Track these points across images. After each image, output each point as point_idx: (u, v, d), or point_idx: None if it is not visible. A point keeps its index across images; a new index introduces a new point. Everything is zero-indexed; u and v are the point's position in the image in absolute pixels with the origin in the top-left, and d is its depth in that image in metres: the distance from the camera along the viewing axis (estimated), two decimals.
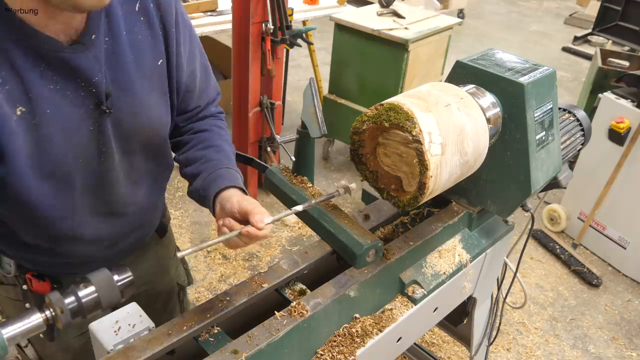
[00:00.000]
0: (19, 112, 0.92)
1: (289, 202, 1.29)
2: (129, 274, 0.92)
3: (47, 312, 0.84)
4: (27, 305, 1.26)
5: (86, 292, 0.87)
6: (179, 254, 0.97)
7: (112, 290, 0.89)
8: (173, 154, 1.35)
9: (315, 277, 1.30)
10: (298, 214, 1.33)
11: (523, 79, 1.26)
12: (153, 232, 1.43)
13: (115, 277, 0.90)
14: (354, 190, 1.22)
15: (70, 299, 0.86)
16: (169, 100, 1.19)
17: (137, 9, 1.07)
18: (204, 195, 1.19)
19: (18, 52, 0.90)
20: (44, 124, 0.96)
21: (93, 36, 0.97)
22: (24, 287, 1.24)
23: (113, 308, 0.98)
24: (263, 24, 3.07)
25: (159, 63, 1.12)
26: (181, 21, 1.15)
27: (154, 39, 1.10)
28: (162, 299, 1.55)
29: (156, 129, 1.18)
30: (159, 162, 1.27)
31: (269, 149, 3.51)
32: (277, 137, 3.45)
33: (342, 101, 3.88)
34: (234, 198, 1.12)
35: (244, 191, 1.18)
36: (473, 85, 1.30)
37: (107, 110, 1.03)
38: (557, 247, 3.46)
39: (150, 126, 1.16)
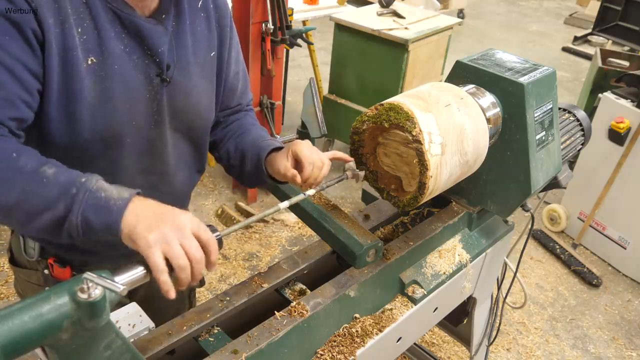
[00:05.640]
0: (89, 62, 1.03)
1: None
2: (218, 232, 0.97)
3: None
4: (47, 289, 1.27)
5: None
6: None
7: None
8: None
9: (315, 277, 1.30)
10: (298, 213, 1.33)
11: (523, 79, 1.26)
12: None
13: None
14: (361, 176, 1.23)
15: None
16: (215, 91, 1.29)
17: (199, 5, 1.22)
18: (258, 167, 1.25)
19: (101, 10, 1.03)
20: (109, 78, 1.05)
21: (163, 16, 1.12)
22: (45, 271, 1.27)
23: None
24: (263, 24, 3.08)
25: (212, 55, 1.25)
26: (233, 27, 1.32)
27: (210, 33, 1.24)
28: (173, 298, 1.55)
29: (202, 114, 1.27)
30: (198, 152, 1.33)
31: None
32: (277, 137, 3.45)
33: (342, 101, 3.88)
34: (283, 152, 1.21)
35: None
36: (473, 85, 1.30)
37: (167, 80, 1.13)
38: (557, 247, 3.46)
39: (197, 109, 1.25)
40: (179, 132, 1.24)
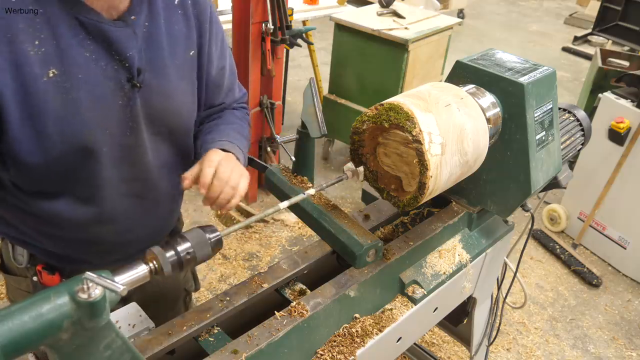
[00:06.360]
0: (50, 74, 0.98)
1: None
2: (218, 232, 0.96)
3: (151, 264, 0.88)
4: None
5: (184, 247, 0.91)
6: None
7: (205, 246, 0.94)
8: None
9: (315, 277, 1.30)
10: (298, 213, 1.33)
11: (523, 79, 1.26)
12: (167, 233, 1.43)
13: (207, 235, 0.95)
14: (361, 174, 1.22)
15: (170, 253, 0.90)
16: (196, 91, 1.25)
17: (176, 2, 1.16)
18: None
19: (62, 18, 0.98)
20: (74, 88, 1.01)
21: (133, 17, 1.06)
22: (34, 278, 1.26)
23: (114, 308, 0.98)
24: (263, 24, 3.07)
25: (191, 54, 1.20)
26: (214, 21, 1.25)
27: (188, 31, 1.18)
28: (168, 303, 1.54)
29: (183, 116, 1.23)
30: (182, 154, 1.30)
31: (269, 149, 3.51)
32: (277, 137, 3.45)
33: (342, 101, 3.88)
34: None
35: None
36: (473, 85, 1.30)
37: (138, 85, 1.08)
38: (557, 247, 3.46)
39: (178, 111, 1.20)
40: (159, 136, 1.20)
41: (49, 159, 1.03)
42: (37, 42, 0.96)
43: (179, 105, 1.20)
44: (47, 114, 0.99)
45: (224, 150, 1.19)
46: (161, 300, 1.50)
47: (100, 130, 1.07)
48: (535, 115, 1.30)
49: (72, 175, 1.09)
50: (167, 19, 1.13)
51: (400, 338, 1.32)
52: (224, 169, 1.11)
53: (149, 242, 1.30)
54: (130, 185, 1.20)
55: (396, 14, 3.77)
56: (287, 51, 3.82)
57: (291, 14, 3.28)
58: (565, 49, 7.12)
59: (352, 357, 1.14)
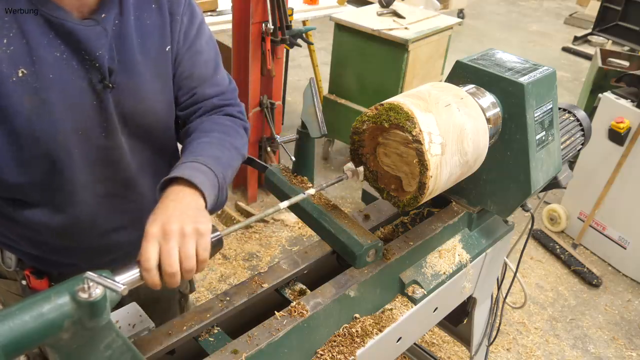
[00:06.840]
0: (20, 74, 0.95)
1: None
2: (218, 232, 0.96)
3: None
4: None
5: None
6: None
7: None
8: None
9: (315, 277, 1.30)
10: (298, 213, 1.33)
11: (523, 79, 1.26)
12: None
13: None
14: (361, 174, 1.21)
15: None
16: (173, 88, 1.20)
17: None
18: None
19: (31, 17, 0.95)
20: (45, 88, 0.98)
21: (103, 15, 1.02)
22: (23, 282, 1.25)
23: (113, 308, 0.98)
24: (263, 24, 3.08)
25: (167, 49, 1.14)
26: (189, 10, 1.18)
27: (163, 25, 1.13)
28: (162, 305, 1.53)
29: (159, 115, 1.18)
30: (163, 155, 1.25)
31: (269, 149, 3.51)
32: (277, 137, 3.45)
33: (342, 101, 3.88)
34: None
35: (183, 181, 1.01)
36: (473, 85, 1.30)
37: (110, 85, 1.05)
38: (557, 247, 3.46)
39: (153, 110, 1.16)
40: (136, 137, 1.16)
41: (19, 161, 1.01)
42: (5, 41, 0.94)
43: (154, 104, 1.15)
44: (15, 114, 0.96)
45: (181, 179, 0.99)
46: (156, 303, 1.48)
47: (72, 132, 1.04)
48: (535, 115, 1.30)
49: (45, 178, 1.06)
50: (138, 15, 1.09)
51: (400, 338, 1.32)
52: (171, 235, 0.89)
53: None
54: (108, 185, 1.16)
55: (396, 14, 3.77)
56: (287, 51, 3.82)
57: (291, 14, 3.28)
58: (565, 49, 7.12)
59: (352, 357, 1.15)
